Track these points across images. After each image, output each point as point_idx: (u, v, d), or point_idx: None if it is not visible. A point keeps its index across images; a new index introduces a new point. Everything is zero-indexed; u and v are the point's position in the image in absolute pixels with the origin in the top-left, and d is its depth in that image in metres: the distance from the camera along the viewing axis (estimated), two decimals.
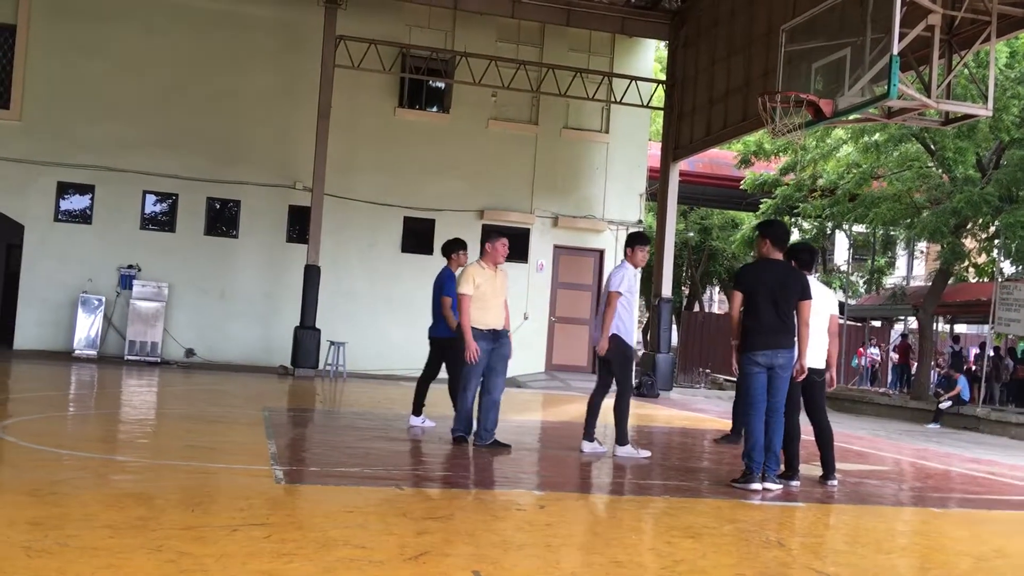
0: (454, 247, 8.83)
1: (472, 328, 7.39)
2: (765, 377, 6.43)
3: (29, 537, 3.72)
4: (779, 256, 6.71)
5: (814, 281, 6.98)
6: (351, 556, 3.80)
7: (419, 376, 8.86)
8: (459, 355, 7.59)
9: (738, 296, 6.62)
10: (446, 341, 8.14)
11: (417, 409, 8.75)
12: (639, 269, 8.17)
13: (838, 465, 7.08)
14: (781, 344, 6.45)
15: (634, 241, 7.92)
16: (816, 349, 6.80)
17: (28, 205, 16.87)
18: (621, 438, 7.60)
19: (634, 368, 8.95)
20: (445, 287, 8.41)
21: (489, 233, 8.25)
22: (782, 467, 6.67)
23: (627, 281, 7.69)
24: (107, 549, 3.59)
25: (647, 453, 7.76)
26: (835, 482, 6.89)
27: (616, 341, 7.52)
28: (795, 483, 6.68)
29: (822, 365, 6.89)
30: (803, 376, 6.55)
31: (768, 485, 6.35)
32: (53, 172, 16.89)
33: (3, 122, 16.75)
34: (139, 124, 17.10)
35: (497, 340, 7.58)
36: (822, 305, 6.90)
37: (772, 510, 5.81)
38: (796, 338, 6.51)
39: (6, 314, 18.42)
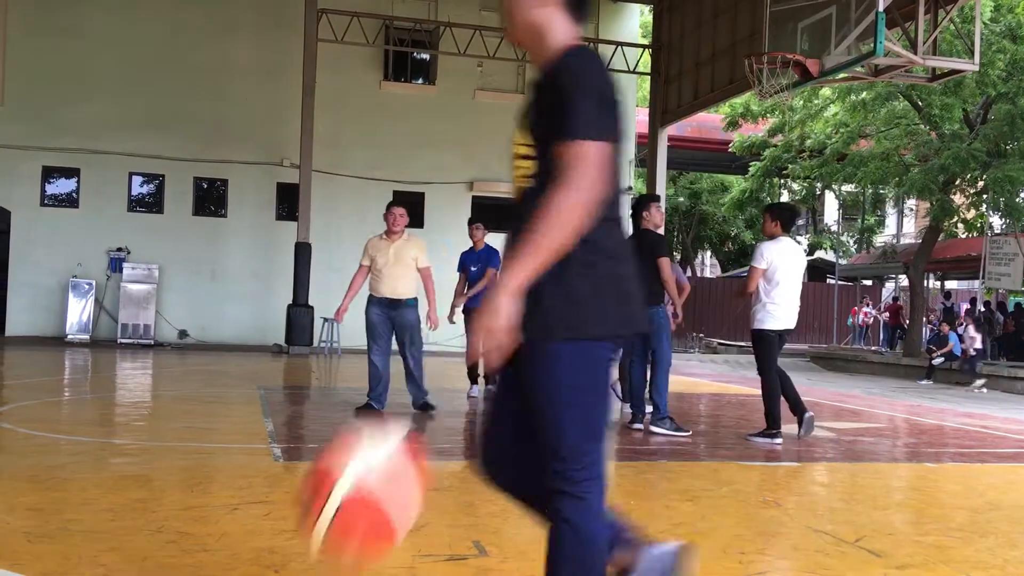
0: (470, 223, 9.62)
1: (370, 296, 7.78)
2: None
3: (30, 523, 3.73)
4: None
5: (788, 241, 7.02)
6: None
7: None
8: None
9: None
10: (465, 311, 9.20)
11: (474, 378, 9.66)
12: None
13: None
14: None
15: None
16: (791, 310, 6.93)
17: (13, 190, 16.76)
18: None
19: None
20: (459, 263, 9.45)
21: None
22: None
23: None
24: (109, 532, 3.60)
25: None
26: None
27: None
28: (778, 440, 6.83)
29: (792, 325, 7.02)
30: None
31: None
32: (37, 156, 16.77)
33: None
34: (122, 105, 16.95)
35: (394, 309, 7.66)
36: (798, 265, 6.98)
37: (768, 471, 5.86)
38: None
39: None
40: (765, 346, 6.97)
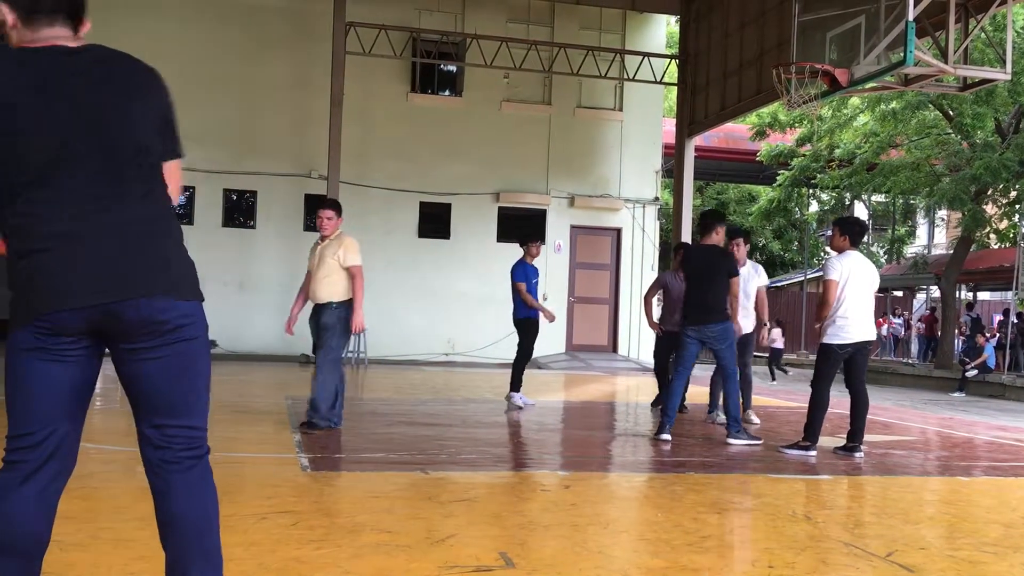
0: (524, 240, 9.69)
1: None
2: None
3: (62, 531, 3.76)
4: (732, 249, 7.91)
5: (857, 255, 7.02)
6: (379, 541, 3.82)
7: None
8: (524, 335, 9.35)
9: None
10: (517, 321, 9.50)
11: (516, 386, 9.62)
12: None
13: (864, 437, 7.08)
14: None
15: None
16: (861, 325, 6.93)
17: None
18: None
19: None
20: (515, 274, 9.52)
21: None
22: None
23: None
24: (139, 541, 3.63)
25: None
26: (861, 453, 6.93)
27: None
28: (812, 453, 6.85)
29: (872, 337, 7.08)
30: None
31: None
32: None
33: None
34: None
35: (319, 313, 7.12)
36: (868, 279, 7.00)
37: (798, 483, 5.80)
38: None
39: None
40: (824, 359, 7.00)
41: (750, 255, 10.54)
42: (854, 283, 6.88)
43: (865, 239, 31.55)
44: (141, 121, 2.30)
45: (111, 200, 2.24)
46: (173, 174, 2.44)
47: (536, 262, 9.82)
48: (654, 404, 9.86)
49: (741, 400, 9.32)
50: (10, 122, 2.18)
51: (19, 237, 2.23)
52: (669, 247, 19.53)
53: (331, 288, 7.03)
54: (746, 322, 8.81)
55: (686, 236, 18.33)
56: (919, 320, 27.80)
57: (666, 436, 7.35)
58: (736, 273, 7.74)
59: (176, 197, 2.47)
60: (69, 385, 2.31)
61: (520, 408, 9.44)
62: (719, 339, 7.47)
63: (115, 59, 2.36)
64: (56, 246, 2.20)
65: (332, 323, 7.00)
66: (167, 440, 2.33)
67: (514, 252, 9.79)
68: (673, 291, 9.49)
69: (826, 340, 6.97)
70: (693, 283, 7.62)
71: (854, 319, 6.87)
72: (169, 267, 2.30)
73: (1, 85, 2.20)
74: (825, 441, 7.24)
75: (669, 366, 9.10)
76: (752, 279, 8.96)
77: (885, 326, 27.65)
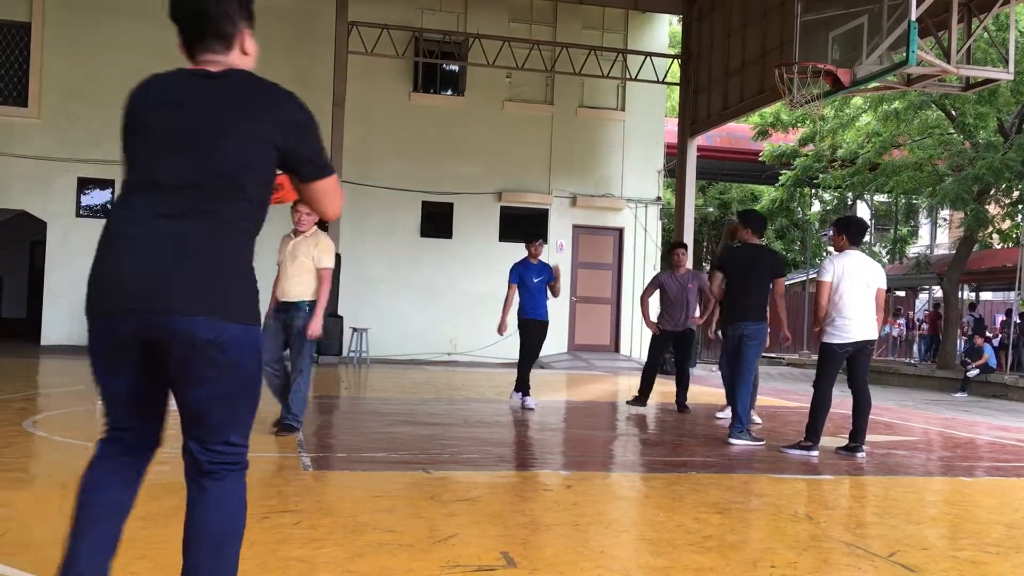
0: (527, 239, 9.51)
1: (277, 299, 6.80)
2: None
3: (63, 530, 3.77)
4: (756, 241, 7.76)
5: (855, 254, 7.01)
6: (380, 540, 3.83)
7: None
8: (521, 335, 9.25)
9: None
10: (520, 322, 9.38)
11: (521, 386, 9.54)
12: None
13: (866, 437, 7.08)
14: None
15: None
16: (861, 324, 6.92)
17: (50, 202, 17.01)
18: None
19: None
20: (509, 275, 9.44)
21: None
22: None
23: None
24: (140, 540, 3.63)
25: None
26: (863, 453, 6.93)
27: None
28: (813, 454, 6.87)
29: (873, 336, 7.06)
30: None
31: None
32: (73, 168, 17.02)
33: (22, 120, 16.88)
34: None
35: (287, 312, 6.72)
36: (867, 278, 6.98)
37: (800, 483, 5.80)
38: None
39: (33, 310, 18.63)
40: (825, 359, 7.01)
41: None
42: (852, 282, 6.86)
43: (868, 239, 31.60)
44: (244, 142, 2.35)
45: (183, 215, 2.30)
46: (323, 193, 2.51)
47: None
48: (629, 402, 9.82)
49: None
50: (134, 129, 2.41)
51: (105, 229, 2.43)
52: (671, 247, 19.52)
53: (304, 287, 6.73)
54: None
55: (688, 236, 18.34)
56: (923, 319, 27.76)
57: (743, 440, 7.32)
58: (783, 273, 7.91)
59: (330, 213, 2.58)
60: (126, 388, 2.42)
61: (520, 408, 9.42)
62: (751, 336, 7.51)
63: (244, 83, 2.42)
64: (119, 247, 2.35)
65: (306, 326, 6.67)
66: (205, 452, 2.37)
67: (515, 252, 9.76)
68: (670, 291, 9.50)
69: (826, 340, 6.97)
70: (737, 282, 7.62)
71: (854, 318, 6.86)
72: (224, 287, 2.33)
73: (136, 97, 2.45)
74: (827, 441, 7.24)
75: (671, 364, 9.18)
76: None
77: (895, 328, 27.59)
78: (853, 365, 7.04)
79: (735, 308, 7.61)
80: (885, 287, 7.15)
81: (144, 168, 2.36)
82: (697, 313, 9.69)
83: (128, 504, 2.52)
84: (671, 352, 10.03)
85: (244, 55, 2.51)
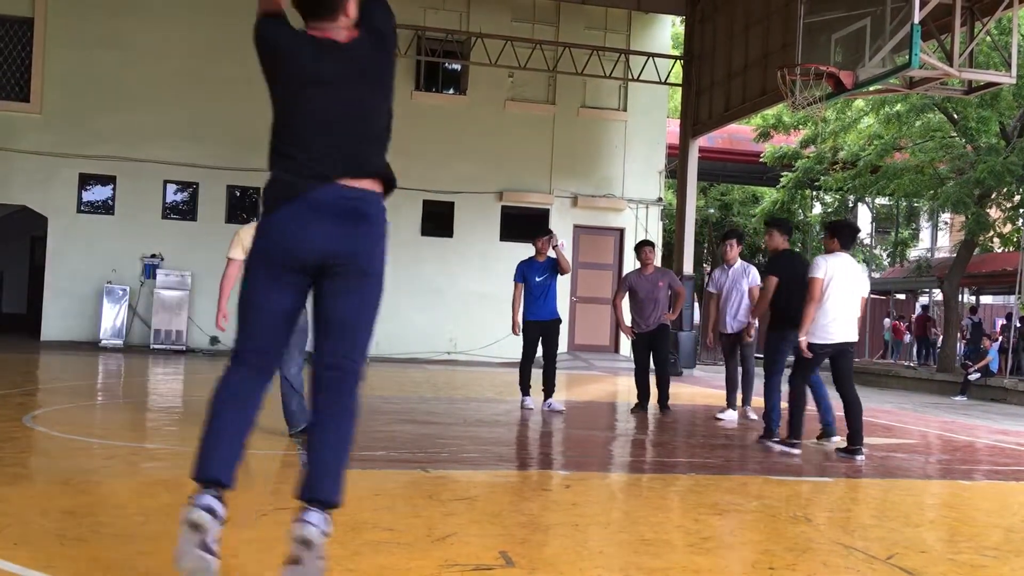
0: (534, 237, 9.44)
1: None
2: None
3: (63, 525, 3.77)
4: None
5: (845, 257, 7.00)
6: (379, 539, 3.83)
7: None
8: (525, 338, 9.16)
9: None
10: (523, 324, 9.26)
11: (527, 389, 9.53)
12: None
13: (865, 440, 7.08)
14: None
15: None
16: (843, 325, 6.92)
17: (51, 197, 17.02)
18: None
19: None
20: (515, 275, 9.34)
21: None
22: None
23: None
24: (140, 536, 3.63)
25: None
26: (862, 457, 6.92)
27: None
28: (796, 452, 6.95)
29: (854, 339, 7.04)
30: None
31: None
32: (74, 164, 17.02)
33: (24, 115, 16.88)
34: (157, 114, 17.17)
35: None
36: (853, 281, 6.97)
37: (799, 485, 5.80)
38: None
39: (33, 305, 18.63)
40: (803, 358, 7.00)
41: (753, 257, 10.60)
42: (838, 284, 6.87)
43: (868, 241, 31.61)
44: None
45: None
46: None
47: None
48: (632, 410, 9.60)
49: (741, 396, 9.44)
50: (289, 64, 3.21)
51: None
52: (672, 248, 19.53)
53: None
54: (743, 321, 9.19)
55: (689, 237, 18.36)
56: (914, 320, 27.78)
57: (783, 447, 7.14)
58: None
59: None
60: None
61: (529, 409, 9.35)
62: (792, 345, 7.42)
63: (364, 55, 3.17)
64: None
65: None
66: (331, 360, 3.23)
67: (516, 251, 9.73)
68: (640, 291, 9.40)
69: (808, 339, 6.94)
70: (790, 290, 7.38)
71: (837, 319, 6.86)
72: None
73: (289, 38, 3.21)
74: (828, 442, 7.24)
75: (664, 363, 9.31)
76: (742, 279, 9.21)
77: (888, 331, 27.57)
78: (837, 368, 7.06)
79: (784, 316, 7.47)
80: (868, 294, 7.16)
81: None
82: (669, 309, 9.52)
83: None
84: (671, 353, 10.02)
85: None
